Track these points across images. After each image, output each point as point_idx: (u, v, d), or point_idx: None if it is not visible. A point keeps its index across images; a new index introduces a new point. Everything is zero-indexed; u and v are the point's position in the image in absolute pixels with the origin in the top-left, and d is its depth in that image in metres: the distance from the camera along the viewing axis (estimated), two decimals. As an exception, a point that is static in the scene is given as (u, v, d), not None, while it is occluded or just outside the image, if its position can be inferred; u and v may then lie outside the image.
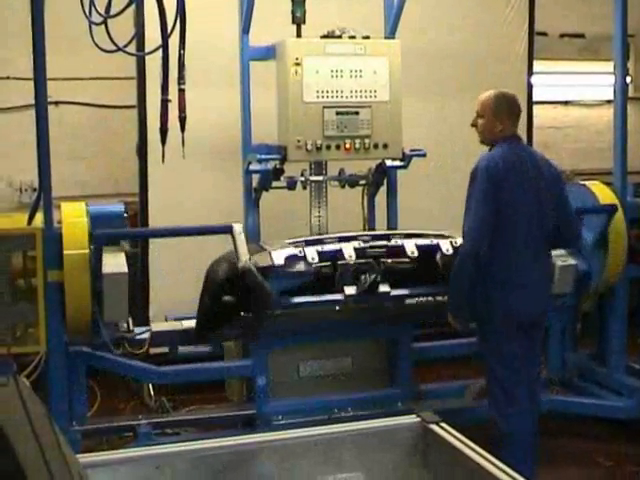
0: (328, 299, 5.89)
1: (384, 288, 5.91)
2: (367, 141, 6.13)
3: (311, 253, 5.71)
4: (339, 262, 5.84)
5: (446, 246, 5.88)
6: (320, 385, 6.31)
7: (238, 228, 5.77)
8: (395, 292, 6.00)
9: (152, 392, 7.13)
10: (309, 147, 6.02)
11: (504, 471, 2.81)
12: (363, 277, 5.78)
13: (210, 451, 3.16)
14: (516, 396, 5.28)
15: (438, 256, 5.87)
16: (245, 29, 6.32)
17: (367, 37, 6.23)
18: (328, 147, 6.08)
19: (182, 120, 6.09)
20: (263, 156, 6.13)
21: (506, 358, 5.26)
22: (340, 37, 6.17)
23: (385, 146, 6.19)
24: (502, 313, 5.23)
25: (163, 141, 6.00)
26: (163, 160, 6.04)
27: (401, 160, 6.29)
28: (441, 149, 6.46)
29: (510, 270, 5.21)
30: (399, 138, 6.25)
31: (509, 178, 5.16)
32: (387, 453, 3.26)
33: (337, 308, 5.90)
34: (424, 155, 6.36)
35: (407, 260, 5.93)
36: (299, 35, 6.22)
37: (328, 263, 5.87)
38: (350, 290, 5.84)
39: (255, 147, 6.30)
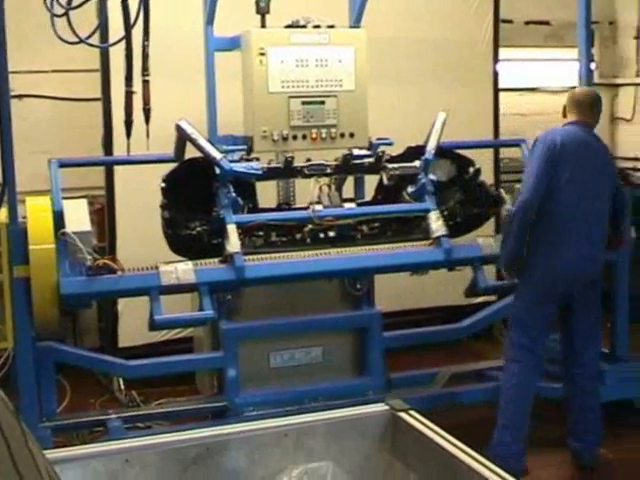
0: (296, 215, 6.10)
1: (349, 205, 6.23)
2: (333, 131, 6.12)
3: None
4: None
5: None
6: (291, 376, 6.31)
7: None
8: (361, 209, 6.30)
9: (122, 386, 7.13)
10: (275, 137, 5.99)
11: (473, 457, 2.81)
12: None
13: (179, 444, 3.14)
14: (520, 357, 5.78)
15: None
16: (209, 20, 6.29)
17: (332, 26, 6.19)
18: (294, 137, 6.05)
19: (147, 112, 6.06)
20: (229, 147, 6.10)
21: (525, 325, 5.79)
22: (305, 27, 6.14)
23: (352, 135, 6.17)
24: (542, 273, 5.72)
25: (128, 133, 5.98)
26: (128, 152, 6.03)
27: (368, 149, 6.27)
28: (408, 136, 6.43)
29: (559, 236, 5.68)
30: (365, 127, 6.24)
31: (566, 152, 5.67)
32: (356, 442, 3.25)
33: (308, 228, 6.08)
34: (391, 144, 6.35)
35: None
36: (263, 25, 6.19)
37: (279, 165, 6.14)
38: (318, 207, 6.04)
39: (221, 138, 6.28)
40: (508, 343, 5.92)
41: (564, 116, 5.97)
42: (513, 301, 5.98)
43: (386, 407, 3.30)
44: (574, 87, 6.78)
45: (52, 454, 2.95)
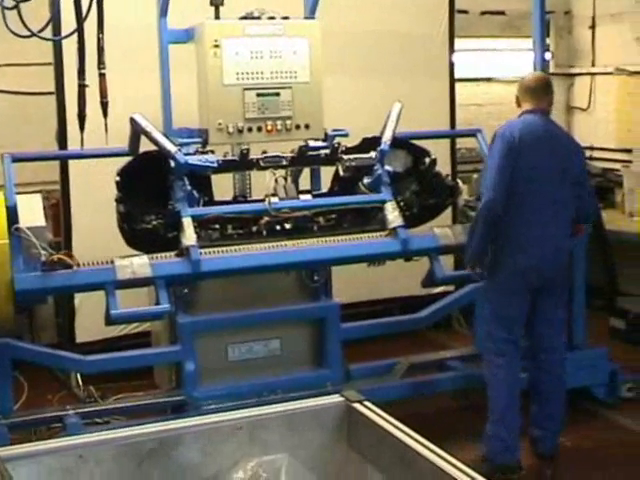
0: (252, 208, 6.08)
1: (305, 197, 6.23)
2: (289, 122, 6.11)
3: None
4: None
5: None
6: (249, 368, 6.28)
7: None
8: (317, 200, 6.27)
9: (80, 382, 7.09)
10: (230, 130, 5.97)
11: (426, 446, 2.82)
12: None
13: (134, 438, 3.13)
14: (502, 350, 5.76)
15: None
16: (163, 12, 6.23)
17: (286, 18, 6.18)
18: (250, 129, 6.04)
19: (104, 105, 6.01)
20: (184, 140, 6.07)
21: (503, 320, 5.77)
22: (259, 18, 6.12)
23: (307, 127, 6.17)
24: (509, 271, 5.70)
25: (81, 127, 5.94)
26: (82, 146, 5.98)
27: (323, 140, 6.27)
28: (366, 128, 6.44)
29: (521, 229, 5.67)
30: (320, 118, 6.24)
31: (525, 142, 5.64)
32: (312, 433, 3.26)
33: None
34: (346, 135, 6.34)
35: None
36: (217, 17, 6.16)
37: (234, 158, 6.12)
38: (274, 199, 6.03)
39: (176, 131, 6.23)
40: (486, 337, 5.88)
41: (518, 105, 5.95)
42: (485, 297, 5.95)
43: (341, 399, 3.31)
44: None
45: (5, 451, 2.95)
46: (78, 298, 7.41)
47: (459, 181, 6.88)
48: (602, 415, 6.75)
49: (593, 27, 10.48)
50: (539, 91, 5.90)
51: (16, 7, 5.26)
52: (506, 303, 5.76)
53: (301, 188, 6.40)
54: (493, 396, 5.76)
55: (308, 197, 6.26)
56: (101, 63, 5.98)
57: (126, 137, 5.94)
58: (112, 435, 3.14)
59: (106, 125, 5.93)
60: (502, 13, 10.35)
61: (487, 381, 5.82)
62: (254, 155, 6.07)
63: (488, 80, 10.56)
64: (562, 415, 6.02)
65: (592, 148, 10.39)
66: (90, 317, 7.15)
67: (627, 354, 7.65)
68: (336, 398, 3.32)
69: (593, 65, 10.53)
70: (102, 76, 6.00)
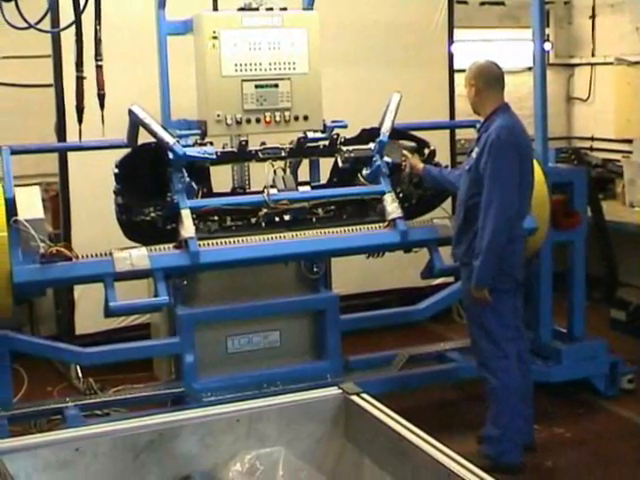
0: (251, 199, 6.06)
1: (303, 188, 6.19)
2: (287, 114, 6.09)
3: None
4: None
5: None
6: (249, 360, 6.29)
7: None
8: (315, 192, 6.25)
9: (80, 374, 7.09)
10: (229, 121, 5.96)
11: (424, 439, 2.81)
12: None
13: (131, 431, 3.13)
14: (506, 352, 5.60)
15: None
16: (161, 3, 6.22)
17: (284, 9, 6.17)
18: (248, 121, 6.02)
19: (101, 97, 6.01)
20: (183, 132, 6.06)
21: (504, 315, 5.61)
22: (257, 9, 6.10)
23: (306, 118, 6.15)
24: (508, 268, 5.54)
25: (80, 119, 5.92)
26: (80, 138, 5.97)
27: (322, 132, 6.25)
28: (365, 119, 6.43)
29: (520, 228, 5.63)
30: (319, 110, 6.22)
31: (522, 144, 5.56)
32: (309, 426, 3.25)
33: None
34: (345, 126, 6.33)
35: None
36: (216, 8, 6.17)
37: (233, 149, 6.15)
38: (272, 190, 6.00)
39: (175, 123, 6.22)
40: (488, 345, 5.63)
41: (476, 97, 5.74)
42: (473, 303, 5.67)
43: (338, 391, 3.31)
44: (530, 67, 6.74)
45: (0, 444, 2.93)
46: (77, 290, 7.41)
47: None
48: (602, 407, 6.72)
49: (593, 17, 10.44)
50: (503, 79, 5.75)
51: (13, -1, 5.25)
52: (506, 296, 5.60)
53: (300, 180, 6.38)
54: (501, 402, 5.59)
55: (307, 189, 6.24)
56: (98, 55, 5.96)
57: (124, 129, 5.93)
58: (109, 428, 3.14)
59: (103, 117, 5.91)
60: (502, 3, 10.31)
61: (492, 389, 5.63)
62: (253, 147, 6.07)
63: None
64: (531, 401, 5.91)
65: (592, 139, 10.40)
66: (89, 309, 7.15)
67: (628, 345, 7.65)
68: (334, 390, 3.32)
69: (593, 55, 10.49)
70: (99, 68, 5.98)
